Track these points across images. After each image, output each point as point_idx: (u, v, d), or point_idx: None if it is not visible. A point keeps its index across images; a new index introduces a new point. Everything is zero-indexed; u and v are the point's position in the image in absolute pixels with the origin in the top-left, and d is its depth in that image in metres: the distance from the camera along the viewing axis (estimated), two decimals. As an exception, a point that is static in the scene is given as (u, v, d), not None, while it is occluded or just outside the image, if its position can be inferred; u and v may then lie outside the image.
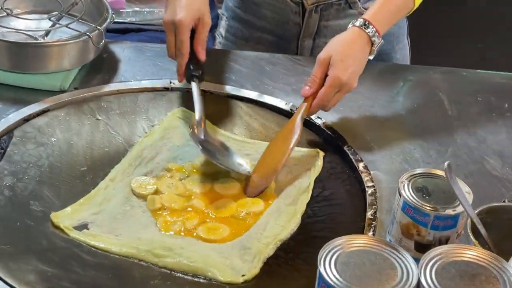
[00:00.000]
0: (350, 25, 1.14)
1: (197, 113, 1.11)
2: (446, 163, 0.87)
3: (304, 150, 1.13)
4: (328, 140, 1.15)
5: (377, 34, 1.12)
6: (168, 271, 0.93)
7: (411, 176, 0.92)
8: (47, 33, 1.24)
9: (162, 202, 1.03)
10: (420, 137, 1.18)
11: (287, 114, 1.19)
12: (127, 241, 0.96)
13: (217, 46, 1.47)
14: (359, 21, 1.13)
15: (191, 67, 1.15)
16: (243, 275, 0.93)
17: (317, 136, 1.16)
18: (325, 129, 1.16)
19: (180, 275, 0.93)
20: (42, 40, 1.22)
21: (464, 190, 0.88)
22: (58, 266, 0.91)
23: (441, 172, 0.92)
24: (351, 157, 1.11)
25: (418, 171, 0.93)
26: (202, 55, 1.16)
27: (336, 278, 0.73)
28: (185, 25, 1.12)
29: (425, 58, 1.51)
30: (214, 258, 0.95)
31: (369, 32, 1.12)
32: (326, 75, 1.10)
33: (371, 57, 1.14)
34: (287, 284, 0.93)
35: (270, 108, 1.21)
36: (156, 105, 1.20)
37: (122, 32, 1.83)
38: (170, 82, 1.24)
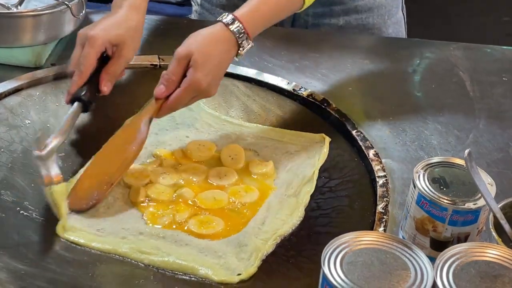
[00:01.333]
0: (218, 18, 1.08)
1: (58, 135, 1.01)
2: (466, 151, 0.87)
3: (308, 135, 1.12)
4: (335, 124, 1.15)
5: (246, 36, 1.06)
6: (155, 269, 0.93)
7: (427, 165, 0.92)
8: (20, 2, 1.23)
9: (148, 193, 1.03)
10: (437, 122, 1.17)
11: (289, 95, 1.19)
12: (110, 237, 0.96)
13: (193, 15, 1.46)
14: (228, 18, 1.06)
15: (85, 91, 1.06)
16: (238, 274, 0.92)
17: (323, 119, 1.16)
18: (332, 112, 1.16)
19: (169, 273, 0.93)
20: (15, 10, 1.21)
21: (486, 181, 0.88)
22: (32, 263, 0.91)
23: (460, 161, 0.92)
24: (361, 143, 1.11)
25: (435, 159, 0.93)
26: (105, 87, 1.08)
27: (342, 280, 0.73)
28: (96, 41, 1.06)
29: (426, 35, 1.50)
30: (206, 256, 0.94)
31: (236, 33, 1.06)
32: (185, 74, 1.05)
33: (237, 59, 1.09)
34: (288, 284, 0.93)
35: (270, 88, 1.21)
36: (143, 83, 1.20)
37: (105, 1, 1.82)
38: (159, 58, 1.24)
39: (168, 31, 1.32)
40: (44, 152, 0.98)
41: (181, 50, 1.06)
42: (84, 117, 1.13)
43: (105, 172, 1.02)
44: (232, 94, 1.20)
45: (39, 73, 1.18)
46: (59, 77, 1.18)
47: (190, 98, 1.06)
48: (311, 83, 1.21)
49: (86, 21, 1.29)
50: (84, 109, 1.06)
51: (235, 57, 1.08)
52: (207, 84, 1.05)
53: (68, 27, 1.24)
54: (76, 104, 1.05)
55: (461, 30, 2.20)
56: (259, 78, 1.22)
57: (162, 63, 1.23)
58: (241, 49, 1.07)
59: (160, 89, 1.05)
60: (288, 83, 1.21)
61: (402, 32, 1.46)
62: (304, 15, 1.39)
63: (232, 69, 1.23)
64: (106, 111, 1.15)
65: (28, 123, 1.11)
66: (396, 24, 1.44)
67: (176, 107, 1.06)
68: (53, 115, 1.13)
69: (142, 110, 1.07)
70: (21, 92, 1.15)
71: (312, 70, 1.25)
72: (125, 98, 1.18)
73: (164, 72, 1.06)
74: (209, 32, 1.07)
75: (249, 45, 1.07)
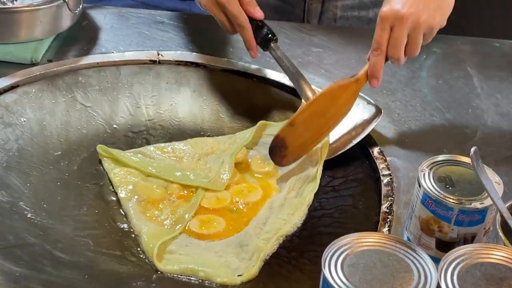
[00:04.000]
0: None
1: (300, 83, 1.09)
2: (472, 149, 0.86)
3: None
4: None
5: None
6: (154, 272, 0.93)
7: (432, 163, 0.91)
8: (16, -4, 1.23)
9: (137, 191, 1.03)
10: (444, 118, 1.17)
11: (292, 91, 1.18)
12: None
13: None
14: None
15: (257, 33, 1.13)
16: (239, 275, 0.92)
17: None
18: (335, 108, 1.15)
19: (167, 275, 0.92)
20: (10, 5, 1.21)
21: (494, 180, 0.88)
22: (27, 265, 0.91)
23: (467, 159, 0.91)
24: (365, 141, 1.09)
25: (441, 157, 0.92)
26: (258, 13, 1.14)
27: (343, 282, 0.72)
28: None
29: (455, 28, 1.49)
30: (206, 257, 0.94)
31: None
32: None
33: None
34: (289, 286, 0.93)
35: (273, 84, 1.20)
36: (142, 80, 1.20)
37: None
38: (158, 54, 1.23)
39: (168, 26, 1.32)
40: None
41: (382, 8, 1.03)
42: (80, 115, 1.13)
43: (315, 132, 1.06)
44: (234, 90, 1.20)
45: (35, 70, 1.18)
46: (56, 74, 1.17)
47: (387, 31, 1.02)
48: (315, 79, 1.21)
49: (83, 17, 1.29)
50: (275, 40, 1.13)
51: None
52: (387, 8, 1.02)
53: (65, 23, 1.24)
54: (271, 49, 1.12)
55: (469, 24, 2.18)
56: (261, 74, 1.21)
57: (161, 59, 1.23)
58: None
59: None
60: (291, 79, 1.20)
61: None
62: (333, 7, 1.39)
63: (233, 65, 1.22)
64: (104, 109, 1.15)
65: (24, 121, 1.11)
66: None
67: (377, 48, 1.03)
68: (50, 112, 1.13)
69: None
70: (17, 89, 1.14)
71: (315, 66, 1.25)
72: (124, 94, 1.18)
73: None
74: None
75: None
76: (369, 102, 1.12)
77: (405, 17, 1.01)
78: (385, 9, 1.02)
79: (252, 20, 1.13)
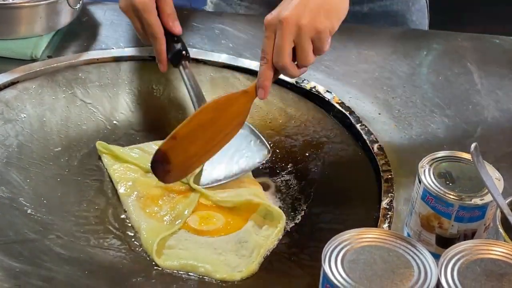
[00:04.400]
0: None
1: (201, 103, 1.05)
2: (472, 145, 0.86)
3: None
4: (339, 117, 1.14)
5: None
6: (154, 268, 0.93)
7: (433, 159, 0.91)
8: (16, -8, 1.23)
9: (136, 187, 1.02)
10: (444, 115, 1.16)
11: (292, 87, 1.18)
12: None
13: (208, 6, 1.46)
14: None
15: (170, 48, 1.10)
16: (239, 272, 0.92)
17: (326, 112, 1.15)
18: (335, 105, 1.15)
19: (167, 271, 0.93)
20: (10, 1, 1.20)
21: (494, 176, 0.87)
22: (27, 261, 0.91)
23: (467, 155, 0.91)
24: (365, 137, 1.10)
25: (441, 154, 0.92)
26: (176, 28, 1.10)
27: (343, 278, 0.72)
28: (147, 5, 1.07)
29: (447, 23, 1.49)
30: (206, 253, 0.94)
31: None
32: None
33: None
34: (289, 282, 0.93)
35: (272, 80, 1.20)
36: (142, 76, 1.20)
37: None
38: (158, 50, 1.23)
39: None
40: None
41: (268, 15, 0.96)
42: (80, 111, 1.13)
43: (207, 147, 1.02)
44: (233, 86, 1.19)
45: (35, 66, 1.17)
46: (56, 70, 1.17)
47: (290, 44, 0.94)
48: (314, 75, 1.20)
49: (83, 13, 1.29)
50: (188, 59, 1.10)
51: None
52: (271, 15, 0.94)
53: (65, 19, 1.24)
54: (181, 67, 1.09)
55: (470, 20, 2.18)
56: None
57: (162, 55, 1.22)
58: None
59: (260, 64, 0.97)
60: (291, 75, 1.20)
61: (425, 20, 1.45)
62: None
63: (232, 61, 1.22)
64: (104, 104, 1.15)
65: (24, 117, 1.11)
66: (419, 11, 1.43)
67: (263, 57, 0.96)
68: (50, 108, 1.13)
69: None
70: (17, 85, 1.14)
71: (315, 62, 1.24)
72: (124, 90, 1.17)
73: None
74: None
75: None
76: (261, 141, 1.07)
77: (285, 21, 0.93)
78: (268, 15, 0.95)
79: (168, 33, 1.10)
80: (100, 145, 1.08)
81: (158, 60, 1.10)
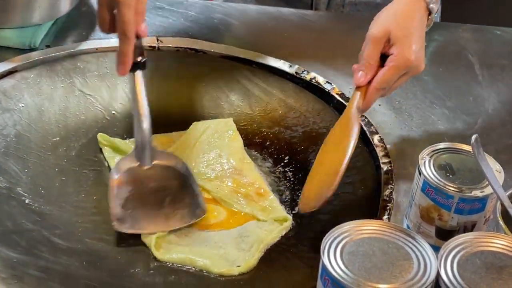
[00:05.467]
0: None
1: (144, 123, 0.99)
2: (473, 137, 0.86)
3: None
4: (339, 109, 1.13)
5: None
6: (152, 259, 0.93)
7: (433, 151, 0.91)
8: (14, -20, 1.22)
9: None
10: (445, 106, 1.16)
11: (292, 78, 1.18)
12: None
13: None
14: None
15: (137, 54, 1.00)
16: (237, 266, 0.92)
17: (326, 103, 1.15)
18: (335, 95, 1.15)
19: (166, 263, 0.92)
20: (8, -10, 1.20)
21: (494, 168, 0.87)
22: (25, 251, 0.91)
23: (468, 147, 0.91)
24: (365, 128, 1.09)
25: (442, 145, 0.92)
26: (144, 31, 1.00)
27: (342, 270, 0.72)
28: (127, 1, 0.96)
29: (456, 15, 1.48)
30: (205, 247, 0.94)
31: None
32: (383, 56, 1.01)
33: (427, 29, 1.05)
34: (288, 274, 0.92)
35: (272, 71, 1.20)
36: (141, 66, 1.19)
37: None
38: (157, 40, 1.22)
39: (167, 12, 1.31)
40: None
41: (375, 30, 1.00)
42: (78, 101, 1.13)
43: (329, 166, 0.97)
44: (232, 77, 1.19)
45: (33, 55, 1.17)
46: (54, 59, 1.17)
47: (398, 76, 0.99)
48: (314, 66, 1.20)
49: (82, 1, 1.28)
50: (143, 67, 1.00)
51: (426, 28, 1.04)
52: (415, 57, 0.99)
53: (63, 7, 1.23)
54: (136, 74, 0.99)
55: (471, 12, 2.18)
56: (261, 61, 1.20)
57: (161, 45, 1.22)
58: (431, 16, 1.04)
59: (359, 76, 1.00)
60: (291, 66, 1.20)
61: (438, 12, 1.44)
62: None
63: (232, 51, 1.21)
64: (103, 94, 1.14)
65: (22, 106, 1.10)
66: None
67: (384, 88, 1.00)
68: (48, 98, 1.12)
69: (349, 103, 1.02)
70: (15, 74, 1.13)
71: (315, 53, 1.24)
72: (122, 80, 1.17)
73: (360, 56, 1.01)
74: (400, 6, 1.03)
75: (438, 9, 1.05)
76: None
77: (412, 66, 1.00)
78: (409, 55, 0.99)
79: None
80: (101, 137, 1.07)
81: (122, 62, 0.98)
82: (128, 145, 1.07)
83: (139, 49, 1.00)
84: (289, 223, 0.97)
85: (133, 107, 1.01)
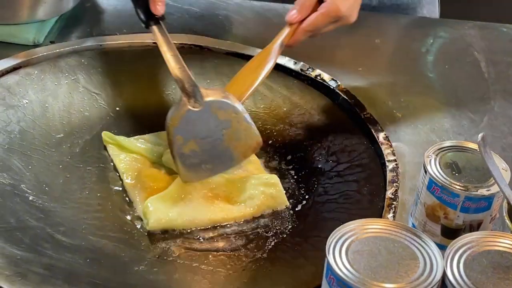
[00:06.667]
0: None
1: (178, 62, 1.00)
2: (480, 135, 0.85)
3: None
4: (344, 106, 1.13)
5: None
6: (156, 256, 0.92)
7: (439, 149, 0.90)
8: (18, -24, 1.22)
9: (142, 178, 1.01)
10: (451, 104, 1.16)
11: (297, 75, 1.17)
12: None
13: None
14: None
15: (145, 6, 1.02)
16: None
17: (331, 101, 1.15)
18: (340, 93, 1.14)
19: (170, 259, 0.92)
20: (13, -14, 1.20)
21: (501, 167, 0.87)
22: (29, 249, 0.90)
23: (474, 145, 0.90)
24: (370, 126, 1.09)
25: (447, 143, 0.91)
26: (159, 7, 1.02)
27: (347, 269, 0.71)
28: None
29: (456, 14, 1.48)
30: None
31: None
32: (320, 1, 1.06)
33: None
34: (293, 273, 0.92)
35: (276, 68, 1.18)
36: (146, 63, 1.18)
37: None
38: (162, 36, 1.22)
39: (172, 8, 1.30)
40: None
41: None
42: (82, 98, 1.12)
43: (235, 91, 1.02)
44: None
45: (37, 51, 1.16)
46: (58, 56, 1.16)
47: (328, 23, 1.05)
48: (320, 63, 1.19)
49: (86, -2, 1.28)
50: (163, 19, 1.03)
51: None
52: (347, 8, 1.04)
53: (68, 4, 1.22)
54: (154, 28, 1.02)
55: (477, 8, 2.17)
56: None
57: (166, 41, 1.21)
58: None
59: (292, 13, 1.05)
60: (296, 62, 1.19)
61: (435, 13, 1.44)
62: None
63: (237, 48, 1.21)
64: (107, 91, 1.14)
65: (26, 103, 1.10)
66: (430, 4, 1.42)
67: (312, 31, 1.06)
68: (52, 94, 1.12)
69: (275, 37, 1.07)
70: (19, 70, 1.13)
71: (320, 50, 1.23)
72: (127, 77, 1.16)
73: None
74: None
75: None
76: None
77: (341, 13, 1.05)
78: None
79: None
80: (105, 135, 1.07)
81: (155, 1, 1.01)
82: (133, 142, 1.06)
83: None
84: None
85: (164, 58, 1.01)
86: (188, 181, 0.98)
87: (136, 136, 1.08)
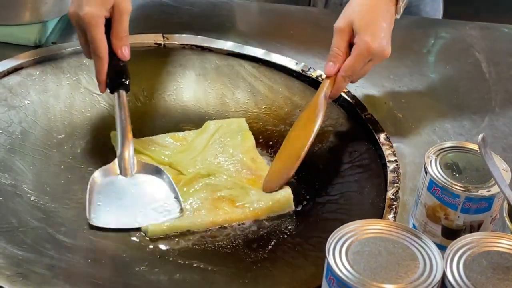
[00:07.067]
0: None
1: (122, 140, 1.00)
2: (480, 136, 0.85)
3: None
4: (345, 107, 1.13)
5: None
6: (157, 256, 0.92)
7: (439, 150, 0.90)
8: (20, -23, 1.22)
9: None
10: (451, 104, 1.16)
11: (298, 76, 1.17)
12: None
13: None
14: None
15: (111, 71, 1.01)
16: None
17: (332, 102, 1.14)
18: (341, 93, 1.14)
19: (171, 259, 0.92)
20: (14, -14, 1.20)
21: (501, 167, 0.86)
22: (30, 249, 0.90)
23: (474, 146, 0.90)
24: (371, 126, 1.09)
25: (448, 144, 0.91)
26: (123, 53, 1.02)
27: (347, 270, 0.71)
28: (94, 19, 0.99)
29: (461, 13, 1.48)
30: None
31: None
32: (350, 45, 1.06)
33: (398, 17, 1.10)
34: (293, 273, 0.92)
35: (278, 69, 1.19)
36: (147, 63, 1.18)
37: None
38: (163, 37, 1.22)
39: (173, 9, 1.31)
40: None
41: (340, 22, 1.06)
42: (84, 98, 1.12)
43: (293, 149, 1.03)
44: (238, 74, 1.19)
45: (39, 52, 1.16)
46: (60, 56, 1.16)
47: (363, 63, 1.05)
48: (321, 64, 1.19)
49: (88, -2, 1.27)
50: (127, 88, 1.03)
51: (395, 15, 1.09)
52: (378, 44, 1.04)
53: (69, 4, 1.22)
54: (116, 95, 1.01)
55: (478, 9, 2.17)
56: (267, 58, 1.20)
57: (167, 42, 1.21)
58: (398, 5, 1.08)
59: (329, 66, 1.06)
60: (297, 63, 1.19)
61: (439, 11, 1.44)
62: None
63: (238, 48, 1.21)
64: (108, 92, 1.14)
65: (28, 103, 1.10)
66: (433, 2, 1.41)
67: (350, 75, 1.06)
68: (53, 95, 1.12)
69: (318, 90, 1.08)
70: (21, 71, 1.13)
71: (321, 50, 1.23)
72: (131, 79, 1.16)
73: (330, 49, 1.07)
74: None
75: (405, 0, 1.08)
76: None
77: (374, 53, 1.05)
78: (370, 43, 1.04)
79: (115, 55, 1.02)
80: (114, 135, 1.06)
81: (97, 79, 1.02)
82: (140, 143, 1.06)
83: (124, 71, 1.02)
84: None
85: (116, 125, 1.01)
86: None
87: (144, 138, 1.08)
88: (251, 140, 1.09)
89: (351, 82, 1.08)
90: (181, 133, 1.10)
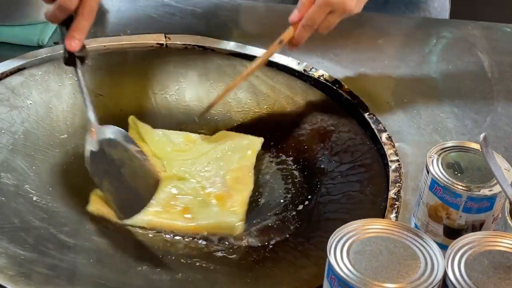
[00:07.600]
0: None
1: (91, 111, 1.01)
2: (482, 135, 0.85)
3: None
4: (347, 106, 1.13)
5: None
6: (160, 256, 0.92)
7: (441, 149, 0.90)
8: (22, -23, 1.22)
9: None
10: (454, 104, 1.15)
11: (300, 75, 1.17)
12: None
13: None
14: None
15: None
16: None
17: (334, 101, 1.15)
18: (343, 93, 1.14)
19: (173, 258, 0.92)
20: (17, -13, 1.20)
21: (503, 167, 0.86)
22: (32, 249, 0.90)
23: (476, 145, 0.90)
24: (373, 126, 1.09)
25: (450, 144, 0.91)
26: (74, 43, 1.01)
27: (348, 269, 0.71)
28: None
29: (466, 11, 1.48)
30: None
31: None
32: None
33: None
34: (295, 272, 0.92)
35: (280, 69, 1.19)
36: (149, 64, 1.19)
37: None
38: (166, 37, 1.22)
39: (175, 9, 1.31)
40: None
41: None
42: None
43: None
44: (240, 74, 1.18)
45: (42, 52, 1.17)
46: (62, 57, 1.16)
47: (323, 14, 1.05)
48: (323, 64, 1.20)
49: (90, -1, 1.28)
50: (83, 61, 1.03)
51: None
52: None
53: (72, 5, 1.23)
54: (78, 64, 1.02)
55: (480, 9, 2.17)
56: (269, 58, 1.20)
57: (169, 42, 1.22)
58: None
59: (293, 13, 1.08)
60: (299, 63, 1.19)
61: (446, 7, 1.44)
62: None
63: (240, 49, 1.21)
64: (113, 93, 1.14)
65: (30, 103, 1.10)
66: None
67: (310, 25, 1.06)
68: (56, 95, 1.12)
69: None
70: (23, 71, 1.13)
71: (323, 50, 1.24)
72: (132, 79, 1.17)
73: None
74: None
75: None
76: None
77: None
78: None
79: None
80: (131, 120, 1.08)
81: (75, 37, 1.01)
82: (151, 133, 1.07)
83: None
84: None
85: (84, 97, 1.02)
86: (123, 219, 0.96)
87: (160, 129, 1.09)
88: (250, 161, 1.06)
89: (319, 31, 1.08)
90: (195, 135, 1.10)
